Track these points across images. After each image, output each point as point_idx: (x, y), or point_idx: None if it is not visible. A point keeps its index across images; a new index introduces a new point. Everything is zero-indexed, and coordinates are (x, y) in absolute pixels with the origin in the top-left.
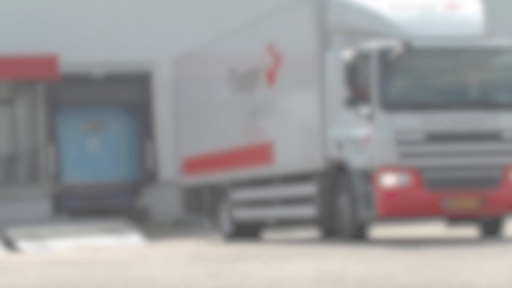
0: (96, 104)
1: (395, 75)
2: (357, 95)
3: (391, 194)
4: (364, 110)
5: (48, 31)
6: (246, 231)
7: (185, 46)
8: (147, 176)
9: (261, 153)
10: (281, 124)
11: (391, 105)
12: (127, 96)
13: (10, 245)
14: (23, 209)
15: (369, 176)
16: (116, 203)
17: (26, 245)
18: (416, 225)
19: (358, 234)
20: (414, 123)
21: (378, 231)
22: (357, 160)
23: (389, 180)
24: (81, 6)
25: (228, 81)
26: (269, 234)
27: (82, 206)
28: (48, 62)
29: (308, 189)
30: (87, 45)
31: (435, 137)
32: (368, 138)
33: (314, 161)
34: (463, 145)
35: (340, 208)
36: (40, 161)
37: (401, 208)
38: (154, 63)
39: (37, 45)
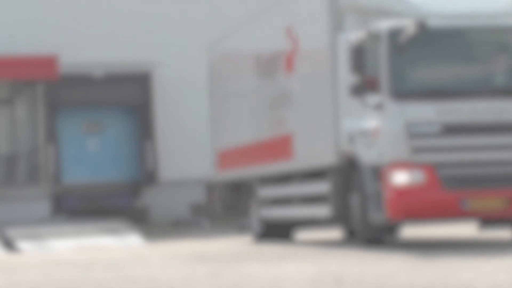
0: (96, 104)
1: (408, 59)
2: (365, 82)
3: (403, 193)
4: (372, 99)
5: (48, 31)
6: (277, 231)
7: (185, 46)
8: (147, 176)
9: (282, 147)
10: (299, 115)
11: (402, 93)
12: (127, 96)
13: (10, 245)
14: (23, 209)
15: (379, 173)
16: (116, 203)
17: (26, 245)
18: (447, 226)
19: (373, 239)
20: (428, 113)
21: (408, 231)
22: (367, 155)
23: (400, 178)
24: (81, 6)
25: (254, 69)
26: (301, 234)
27: (82, 206)
28: (48, 62)
29: (322, 187)
30: (87, 45)
31: (452, 129)
32: (378, 131)
33: (327, 156)
34: (485, 138)
35: (352, 209)
36: (40, 161)
37: (415, 210)
38: (154, 63)
39: (37, 45)
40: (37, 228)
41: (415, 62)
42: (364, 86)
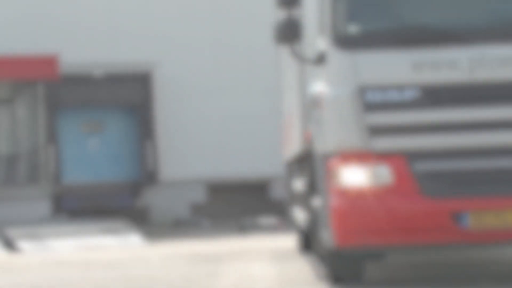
0: (96, 104)
1: None
2: (297, 22)
3: (353, 203)
4: (315, 47)
5: (48, 31)
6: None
7: (185, 46)
8: (147, 176)
9: (288, 128)
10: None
11: (354, 36)
12: (127, 96)
13: (10, 245)
14: (23, 209)
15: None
16: (116, 203)
17: (26, 245)
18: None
19: (337, 271)
20: (398, 69)
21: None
22: (318, 140)
23: (348, 177)
24: (81, 6)
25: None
26: None
27: (82, 206)
28: (48, 62)
29: (300, 183)
30: (87, 45)
31: (438, 96)
32: (320, 100)
33: (297, 142)
34: (494, 110)
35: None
36: (40, 161)
37: (374, 232)
38: (154, 63)
39: (37, 45)
40: (37, 228)
41: None
42: (297, 28)
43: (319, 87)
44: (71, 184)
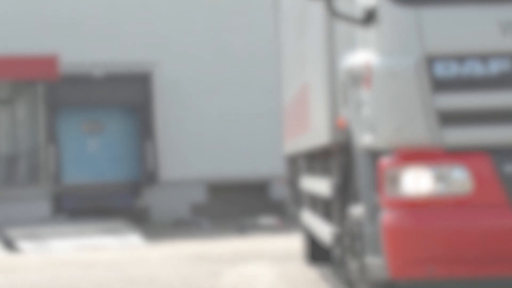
0: (96, 104)
1: None
2: None
3: (415, 220)
4: (360, 3)
5: (48, 31)
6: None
7: (185, 46)
8: (147, 176)
9: (301, 108)
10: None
11: None
12: (127, 96)
13: (10, 245)
14: (23, 209)
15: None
16: (116, 203)
17: (26, 245)
18: None
19: None
20: (477, 32)
21: None
22: (361, 129)
23: (410, 184)
24: (81, 6)
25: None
26: None
27: (82, 206)
28: (48, 62)
29: (323, 186)
30: (87, 45)
31: None
32: (369, 74)
33: (322, 129)
34: None
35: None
36: (40, 161)
37: (444, 261)
38: (154, 63)
39: (37, 45)
40: (37, 228)
41: None
42: None
43: (362, 58)
44: (71, 184)
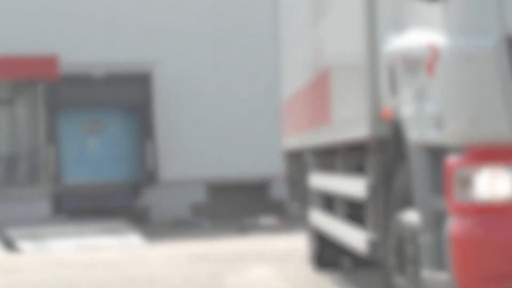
0: (96, 104)
1: None
2: None
3: (492, 231)
4: None
5: (48, 31)
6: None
7: (185, 46)
8: (147, 176)
9: (319, 99)
10: (330, 27)
11: None
12: (127, 96)
13: (10, 245)
14: (23, 209)
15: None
16: (116, 203)
17: (26, 245)
18: None
19: None
20: None
21: None
22: (415, 121)
23: (487, 188)
24: (81, 6)
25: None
26: None
27: (82, 206)
28: (48, 63)
29: (358, 186)
30: (87, 45)
31: None
32: (434, 56)
33: (360, 120)
34: None
35: (388, 247)
36: (40, 161)
37: None
38: (154, 63)
39: (37, 45)
40: (37, 228)
41: None
42: None
43: (420, 39)
44: (71, 184)
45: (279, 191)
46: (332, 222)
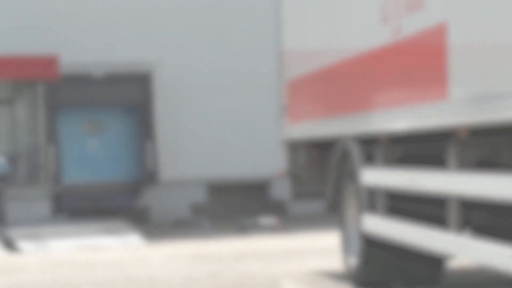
0: (96, 104)
1: None
2: None
3: None
4: None
5: (48, 31)
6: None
7: (185, 46)
8: (147, 176)
9: (418, 66)
10: None
11: None
12: (127, 96)
13: (10, 245)
14: (23, 209)
15: None
16: (116, 203)
17: (26, 245)
18: None
19: None
20: None
21: None
22: None
23: None
24: (81, 6)
25: None
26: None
27: (82, 206)
28: (48, 63)
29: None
30: (87, 45)
31: None
32: None
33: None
34: None
35: None
36: (40, 161)
37: None
38: (154, 63)
39: (37, 45)
40: (38, 228)
41: None
42: None
43: None
44: (71, 184)
45: (279, 191)
46: (437, 235)
